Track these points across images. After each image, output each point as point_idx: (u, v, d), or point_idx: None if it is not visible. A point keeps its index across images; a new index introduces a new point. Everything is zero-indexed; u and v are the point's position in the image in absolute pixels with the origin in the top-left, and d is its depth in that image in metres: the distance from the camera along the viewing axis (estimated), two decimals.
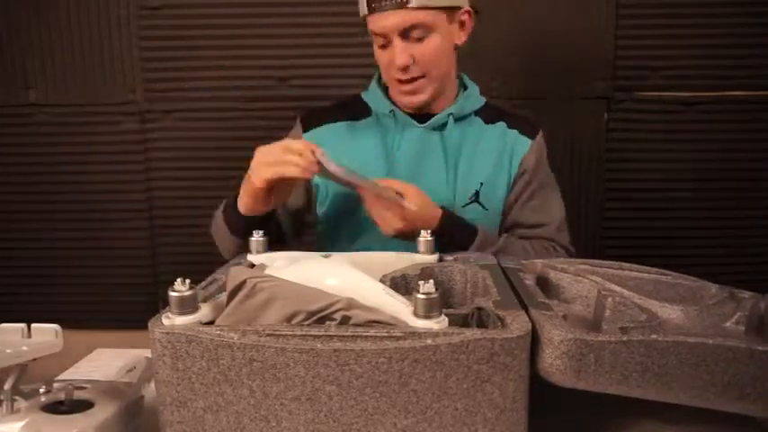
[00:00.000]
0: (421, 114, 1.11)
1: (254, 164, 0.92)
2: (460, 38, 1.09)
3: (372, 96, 1.15)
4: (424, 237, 0.82)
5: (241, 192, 0.96)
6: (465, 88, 1.16)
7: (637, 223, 1.76)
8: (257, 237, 0.82)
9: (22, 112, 1.75)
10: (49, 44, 1.72)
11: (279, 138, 1.23)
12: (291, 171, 0.87)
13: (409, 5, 0.97)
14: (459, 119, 1.12)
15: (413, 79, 1.04)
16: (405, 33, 1.00)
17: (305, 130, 1.15)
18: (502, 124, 1.14)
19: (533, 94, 1.69)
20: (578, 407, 0.65)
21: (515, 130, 1.14)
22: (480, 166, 1.11)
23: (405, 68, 1.03)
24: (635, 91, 1.70)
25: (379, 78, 1.17)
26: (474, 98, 1.15)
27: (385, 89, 1.15)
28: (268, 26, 1.70)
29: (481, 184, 1.10)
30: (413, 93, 1.07)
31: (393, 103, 1.12)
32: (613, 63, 1.68)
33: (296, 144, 0.89)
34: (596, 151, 1.72)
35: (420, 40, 1.01)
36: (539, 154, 1.14)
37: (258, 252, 0.81)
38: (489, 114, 1.15)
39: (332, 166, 0.88)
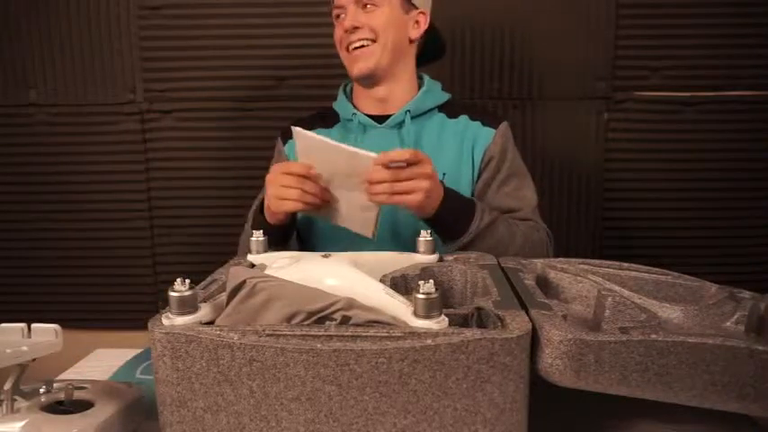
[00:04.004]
0: (382, 116, 1.17)
1: (269, 199, 0.96)
2: (414, 33, 1.16)
3: (338, 103, 1.22)
4: (424, 237, 0.82)
5: (266, 214, 1.00)
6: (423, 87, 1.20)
7: (637, 223, 1.76)
8: (257, 237, 0.82)
9: (23, 112, 1.75)
10: (49, 44, 1.72)
11: (274, 138, 1.25)
12: (302, 206, 0.93)
13: None
14: (419, 115, 1.17)
15: (362, 44, 1.11)
16: (360, 2, 1.10)
17: (285, 142, 1.23)
18: (464, 117, 1.18)
19: (533, 94, 1.69)
20: (577, 407, 0.65)
21: (477, 122, 1.17)
22: (442, 157, 1.13)
23: (353, 30, 1.10)
24: (635, 91, 1.70)
25: (345, 87, 1.25)
26: (434, 94, 1.20)
27: (349, 96, 1.23)
28: (268, 26, 1.70)
29: (444, 174, 1.11)
30: (361, 58, 1.12)
31: (355, 107, 1.19)
32: (613, 63, 1.68)
33: (294, 167, 0.92)
34: (596, 151, 1.72)
35: (372, 10, 1.10)
36: (504, 142, 1.16)
37: (258, 252, 0.81)
38: (453, 110, 1.19)
39: (328, 141, 0.88)
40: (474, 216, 0.99)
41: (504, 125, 1.17)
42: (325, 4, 1.13)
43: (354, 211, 0.94)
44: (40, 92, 1.74)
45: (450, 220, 0.97)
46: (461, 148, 1.15)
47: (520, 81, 1.69)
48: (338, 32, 1.14)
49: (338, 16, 1.13)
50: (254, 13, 1.69)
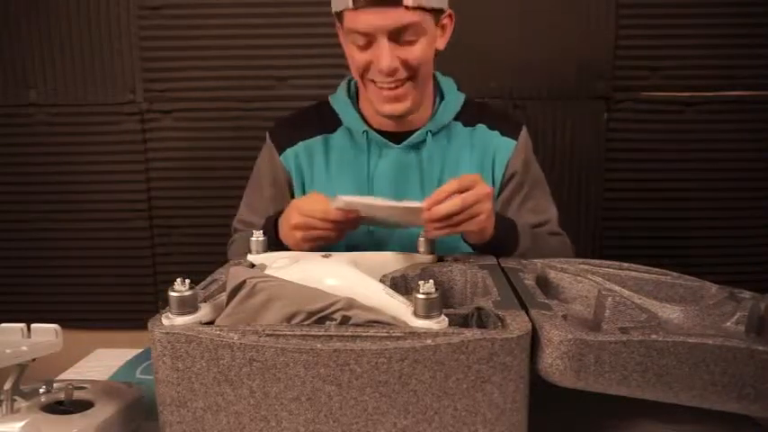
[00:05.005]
0: (396, 132, 1.05)
1: (297, 243, 0.88)
2: (441, 43, 1.01)
3: (343, 109, 1.08)
4: (425, 237, 0.82)
5: (287, 243, 0.91)
6: (441, 97, 1.08)
7: (636, 223, 1.76)
8: (257, 237, 0.82)
9: (23, 112, 1.75)
10: (49, 44, 1.72)
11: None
12: (331, 243, 0.87)
13: (406, 3, 0.88)
14: (438, 132, 1.06)
15: (397, 85, 0.96)
16: (395, 34, 0.91)
17: (281, 150, 1.09)
18: (482, 126, 1.08)
19: (533, 94, 1.69)
20: (577, 407, 0.65)
21: (497, 132, 1.07)
22: (462, 172, 1.02)
23: (391, 72, 0.94)
24: (635, 91, 1.70)
25: (349, 87, 1.11)
26: (451, 105, 1.07)
27: (355, 101, 1.09)
28: (268, 26, 1.70)
29: None
30: (396, 99, 0.97)
31: (365, 120, 1.06)
32: (613, 63, 1.68)
33: (332, 214, 0.83)
34: (596, 151, 1.72)
35: (410, 43, 0.93)
36: (525, 154, 1.08)
37: (258, 252, 0.81)
38: (469, 115, 1.08)
39: (371, 203, 0.83)
40: (518, 235, 0.93)
41: (523, 134, 1.09)
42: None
43: (393, 218, 0.90)
44: (40, 92, 1.74)
45: (502, 240, 0.90)
46: (482, 163, 1.06)
47: (520, 81, 1.69)
48: (361, 60, 0.95)
49: (364, 47, 0.94)
50: (254, 13, 1.69)
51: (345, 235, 0.88)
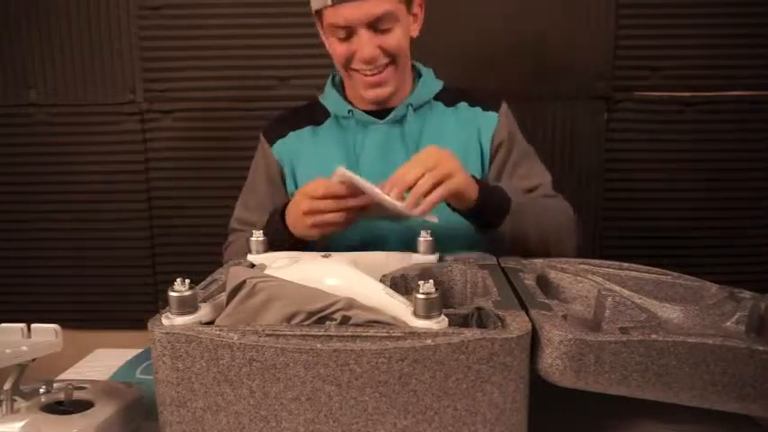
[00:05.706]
0: (379, 111, 1.11)
1: (307, 229, 0.90)
2: (415, 30, 1.09)
3: (329, 99, 1.16)
4: (424, 237, 0.82)
5: (295, 232, 0.93)
6: (420, 77, 1.16)
7: (636, 223, 1.76)
8: (257, 237, 0.82)
9: (23, 112, 1.75)
10: (49, 44, 1.72)
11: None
12: (336, 228, 0.89)
13: None
14: (419, 107, 1.12)
15: (380, 70, 1.04)
16: (373, 24, 1.00)
17: (272, 143, 1.16)
18: (463, 104, 1.14)
19: (533, 94, 1.69)
20: (577, 407, 0.65)
21: (478, 107, 1.13)
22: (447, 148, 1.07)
23: (373, 60, 1.03)
24: (635, 91, 1.70)
25: (333, 79, 1.18)
26: (430, 83, 1.15)
27: (340, 89, 1.17)
28: (268, 26, 1.70)
29: None
30: (379, 84, 1.06)
31: (350, 103, 1.13)
32: (613, 63, 1.68)
33: (334, 188, 0.86)
34: (596, 151, 1.72)
35: (387, 30, 1.01)
36: (509, 125, 1.13)
37: (258, 252, 0.81)
38: (449, 97, 1.15)
39: (359, 182, 0.84)
40: (505, 192, 0.94)
41: (504, 106, 1.14)
42: None
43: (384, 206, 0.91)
44: (40, 92, 1.74)
45: (495, 198, 0.92)
46: (467, 138, 1.11)
47: (520, 81, 1.69)
48: (343, 51, 1.05)
49: (344, 39, 1.03)
50: (254, 13, 1.69)
51: (353, 223, 0.89)
